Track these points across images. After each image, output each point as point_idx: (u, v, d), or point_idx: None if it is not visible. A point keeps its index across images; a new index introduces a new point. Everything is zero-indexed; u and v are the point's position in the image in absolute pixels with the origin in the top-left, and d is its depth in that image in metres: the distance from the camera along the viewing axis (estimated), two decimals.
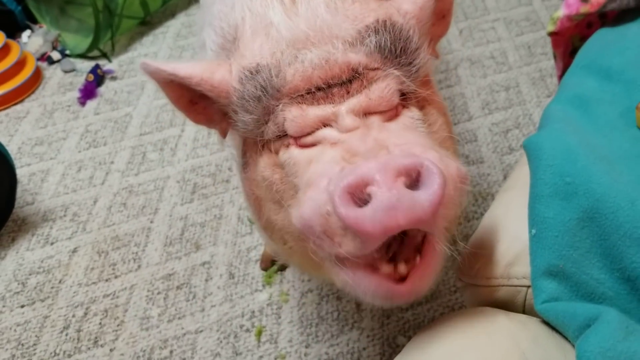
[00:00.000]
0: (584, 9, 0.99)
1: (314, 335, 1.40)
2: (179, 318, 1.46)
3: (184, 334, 1.43)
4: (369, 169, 0.59)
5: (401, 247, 0.66)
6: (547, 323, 0.70)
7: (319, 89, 0.71)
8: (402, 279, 0.64)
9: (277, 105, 0.73)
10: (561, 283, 0.69)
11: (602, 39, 0.96)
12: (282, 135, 0.74)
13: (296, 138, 0.73)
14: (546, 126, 0.80)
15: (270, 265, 1.54)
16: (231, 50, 0.81)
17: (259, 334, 1.41)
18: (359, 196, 0.60)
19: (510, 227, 0.81)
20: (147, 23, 2.60)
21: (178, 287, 1.53)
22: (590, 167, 0.70)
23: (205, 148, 1.94)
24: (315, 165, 0.68)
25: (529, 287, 0.76)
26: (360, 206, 0.59)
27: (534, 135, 0.77)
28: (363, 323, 1.41)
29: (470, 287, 0.81)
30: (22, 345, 1.43)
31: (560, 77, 1.15)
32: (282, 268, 1.54)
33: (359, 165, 0.61)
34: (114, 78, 2.30)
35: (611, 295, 0.67)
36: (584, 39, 1.04)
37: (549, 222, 0.70)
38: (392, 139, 0.66)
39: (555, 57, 1.14)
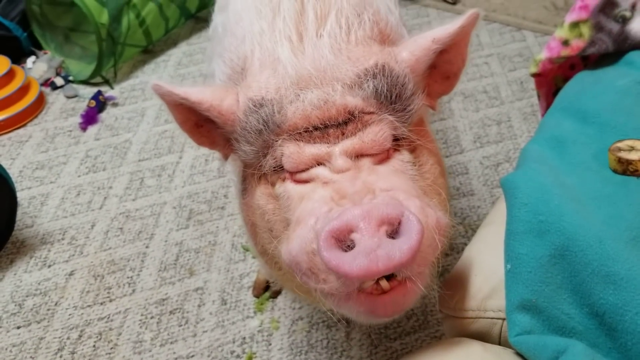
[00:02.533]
0: (565, 52, 1.03)
1: None
2: (171, 342, 1.49)
3: (176, 359, 1.45)
4: (354, 216, 0.63)
5: None
6: (520, 355, 0.73)
7: (316, 128, 0.75)
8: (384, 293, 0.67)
9: (277, 141, 0.77)
10: (534, 317, 0.72)
11: (580, 82, 1.01)
12: (279, 168, 0.78)
13: (292, 173, 0.77)
14: (523, 166, 0.84)
15: (263, 292, 1.57)
16: (238, 80, 0.85)
17: None
18: (343, 240, 0.64)
19: (487, 261, 0.84)
20: (149, 51, 2.66)
21: (171, 312, 1.56)
22: (562, 207, 0.73)
23: (202, 175, 1.98)
24: (305, 202, 0.72)
25: (504, 319, 0.79)
26: (344, 249, 0.63)
27: (511, 174, 0.81)
28: (352, 352, 1.43)
29: (449, 318, 0.84)
30: None
31: (544, 115, 1.19)
32: (274, 295, 1.57)
33: (344, 210, 0.65)
34: (115, 104, 2.35)
35: (581, 329, 0.70)
36: (567, 79, 1.09)
37: (522, 258, 0.73)
38: (379, 183, 0.70)
39: (539, 96, 1.18)
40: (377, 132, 0.75)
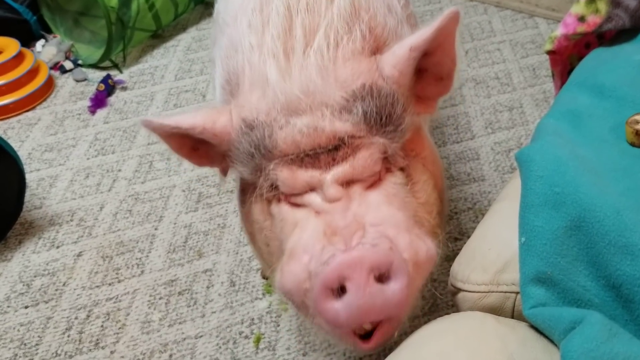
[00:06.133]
0: (581, 28, 1.02)
1: (311, 344, 1.42)
2: (180, 323, 1.48)
3: (184, 339, 1.45)
4: (345, 267, 0.67)
5: None
6: (535, 327, 0.72)
7: (307, 154, 0.76)
8: (367, 333, 0.73)
9: (269, 164, 0.78)
10: (549, 289, 0.71)
11: (597, 57, 1.00)
12: (275, 188, 0.80)
13: (287, 195, 0.79)
14: (538, 139, 0.83)
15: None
16: (233, 93, 0.86)
17: (258, 341, 1.43)
18: (335, 287, 0.68)
19: (501, 235, 0.83)
20: (159, 36, 2.65)
21: (180, 293, 1.56)
22: (578, 179, 0.72)
23: None
24: (299, 233, 0.75)
25: (517, 293, 0.78)
26: (336, 295, 0.68)
27: (526, 148, 0.80)
28: None
29: (461, 293, 0.84)
30: (25, 345, 1.46)
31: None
32: None
33: (335, 259, 0.68)
34: (124, 88, 2.35)
35: (597, 302, 0.69)
36: (581, 58, 1.07)
37: (538, 230, 0.72)
38: (369, 217, 0.73)
39: (553, 75, 1.17)
40: (367, 158, 0.76)
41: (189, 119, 0.80)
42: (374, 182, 0.77)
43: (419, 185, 0.82)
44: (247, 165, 0.80)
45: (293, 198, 0.78)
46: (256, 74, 0.81)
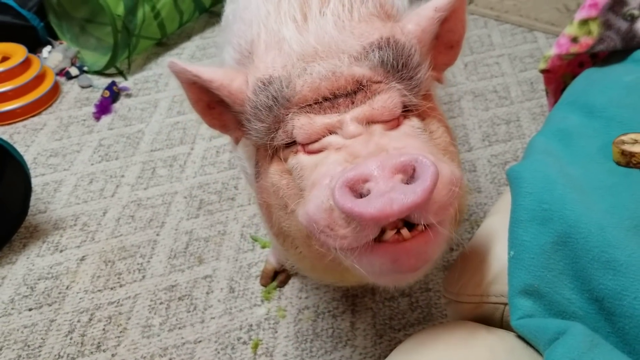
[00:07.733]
0: (574, 49, 1.05)
1: (308, 351, 1.45)
2: (180, 328, 1.51)
3: (184, 344, 1.48)
4: (368, 166, 0.65)
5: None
6: (522, 338, 0.75)
7: (325, 99, 0.77)
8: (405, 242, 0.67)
9: (287, 114, 0.79)
10: (536, 301, 0.74)
11: (588, 77, 1.03)
12: (291, 143, 0.80)
13: (304, 145, 0.79)
14: (529, 157, 0.86)
15: (270, 281, 1.60)
16: (247, 64, 0.87)
17: (256, 347, 1.46)
18: (359, 191, 0.65)
19: (492, 248, 0.86)
20: (163, 44, 2.70)
21: (180, 299, 1.59)
22: (566, 196, 0.75)
23: (213, 166, 2.01)
24: (320, 167, 0.74)
25: (506, 304, 0.81)
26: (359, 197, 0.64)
27: (517, 165, 0.83)
28: (356, 341, 1.46)
29: (453, 303, 0.87)
30: (28, 346, 1.49)
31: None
32: (281, 285, 1.60)
33: (359, 163, 0.67)
34: (128, 95, 2.38)
35: (581, 314, 0.71)
36: (575, 77, 1.11)
37: (526, 244, 0.75)
38: (392, 143, 0.72)
39: (547, 93, 1.20)
40: (386, 99, 0.77)
41: (210, 72, 0.82)
42: (392, 126, 0.78)
43: (437, 134, 0.83)
44: (264, 121, 0.81)
45: (311, 146, 0.78)
46: (272, 35, 0.83)
